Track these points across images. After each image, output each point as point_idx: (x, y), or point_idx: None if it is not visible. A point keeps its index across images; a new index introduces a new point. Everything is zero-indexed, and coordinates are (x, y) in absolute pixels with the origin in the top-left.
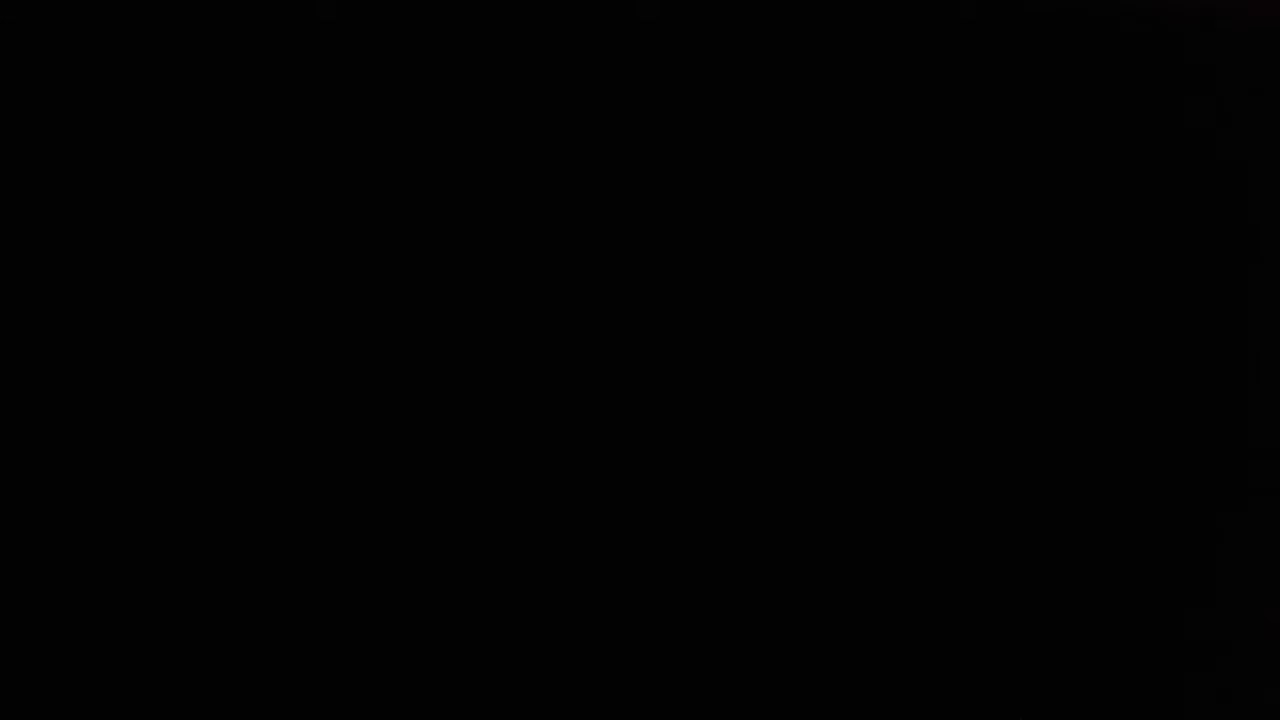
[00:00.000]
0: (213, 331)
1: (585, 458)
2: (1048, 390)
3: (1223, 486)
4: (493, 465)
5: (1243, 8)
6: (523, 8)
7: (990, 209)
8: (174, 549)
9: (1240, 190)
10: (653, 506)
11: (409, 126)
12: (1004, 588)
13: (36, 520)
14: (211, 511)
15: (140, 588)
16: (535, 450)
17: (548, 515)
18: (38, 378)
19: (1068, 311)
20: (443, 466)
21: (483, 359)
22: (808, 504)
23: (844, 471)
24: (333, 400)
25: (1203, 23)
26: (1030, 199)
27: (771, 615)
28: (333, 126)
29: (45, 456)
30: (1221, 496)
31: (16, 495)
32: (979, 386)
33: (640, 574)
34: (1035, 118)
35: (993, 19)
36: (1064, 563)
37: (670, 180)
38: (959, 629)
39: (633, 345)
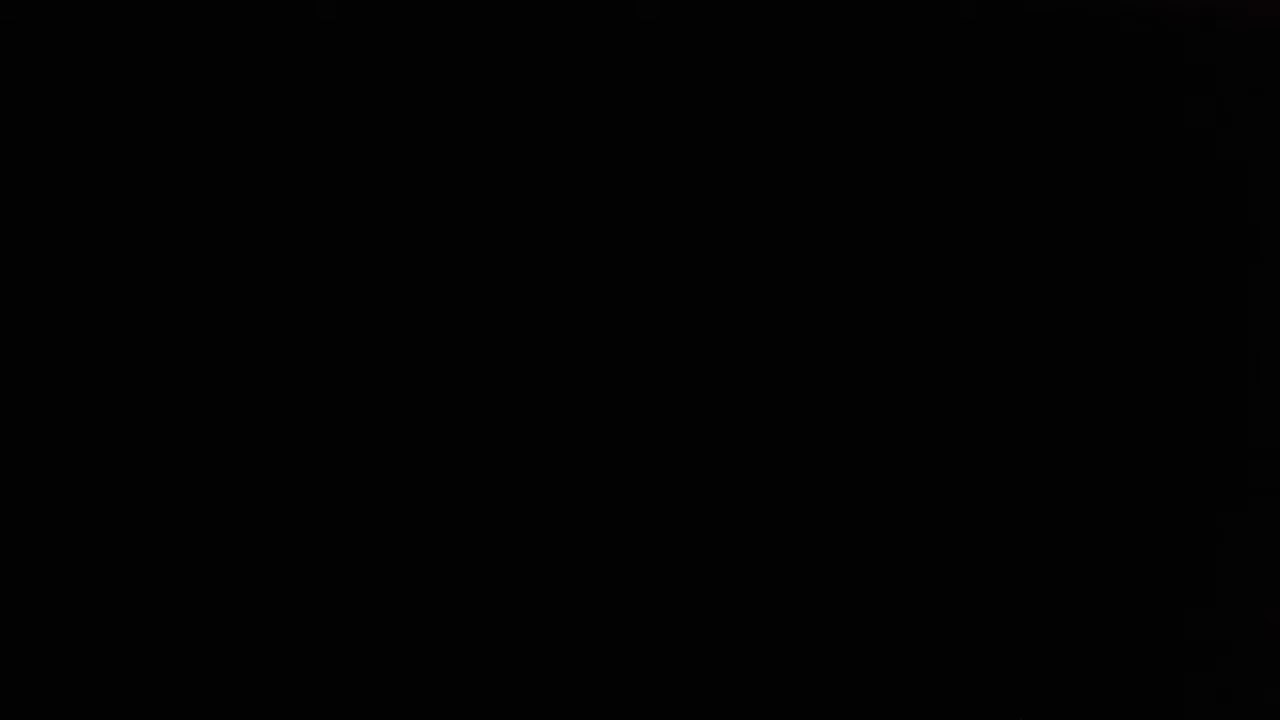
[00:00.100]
0: (212, 331)
1: (585, 457)
2: (1048, 390)
3: (1223, 486)
4: (492, 465)
5: (1243, 8)
6: (523, 8)
7: (990, 209)
8: (174, 549)
9: (1240, 190)
10: (653, 506)
11: (409, 126)
12: (1004, 587)
13: (36, 520)
14: (211, 511)
15: (140, 588)
16: (535, 450)
17: (548, 515)
18: (38, 378)
19: (1068, 311)
20: (442, 466)
21: (482, 358)
22: (808, 504)
23: (844, 471)
24: (333, 400)
25: (1203, 23)
26: (1030, 199)
27: (772, 615)
28: (333, 126)
29: (45, 456)
30: (1221, 496)
31: (16, 495)
32: (979, 386)
33: (640, 574)
34: (1035, 118)
35: (993, 19)
36: (1064, 563)
37: (670, 180)
38: (959, 629)
39: (633, 345)
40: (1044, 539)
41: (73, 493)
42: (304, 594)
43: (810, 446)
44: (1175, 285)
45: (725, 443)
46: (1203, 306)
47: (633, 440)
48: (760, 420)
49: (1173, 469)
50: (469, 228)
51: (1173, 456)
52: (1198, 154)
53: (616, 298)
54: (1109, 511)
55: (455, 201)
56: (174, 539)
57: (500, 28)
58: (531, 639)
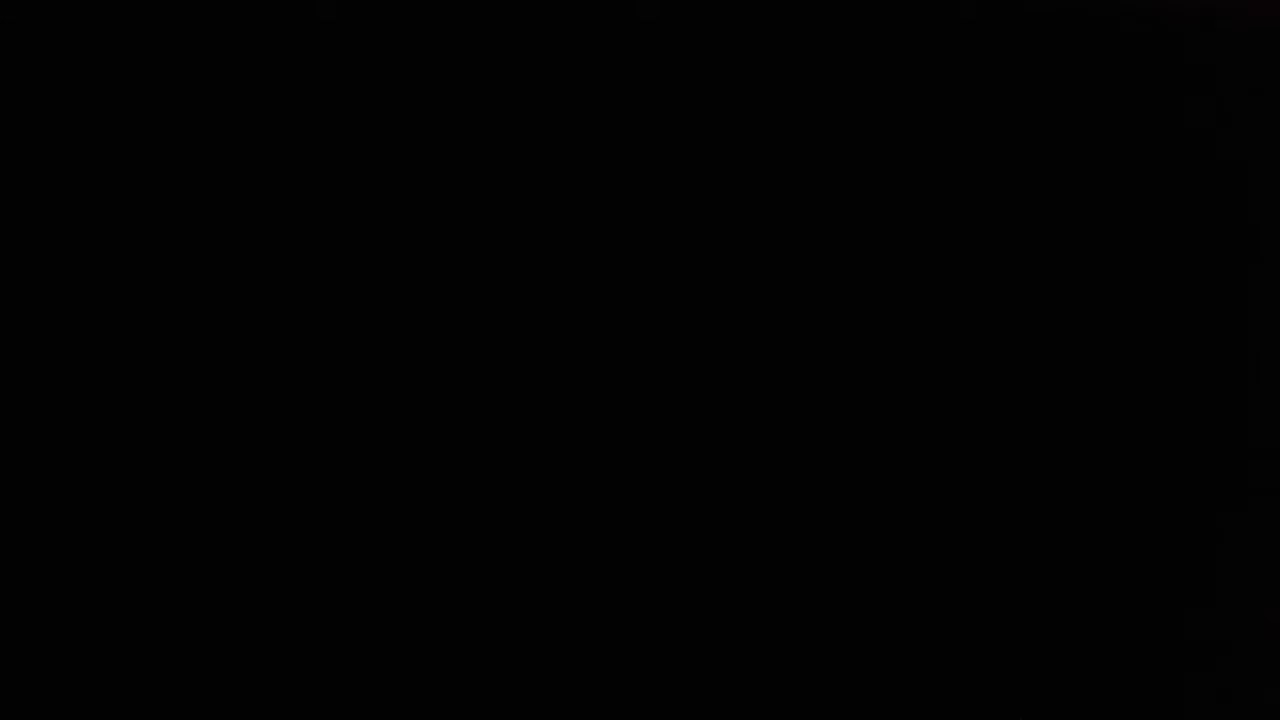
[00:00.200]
0: (212, 331)
1: (585, 457)
2: (1048, 390)
3: (1223, 486)
4: (492, 465)
5: (1243, 8)
6: (523, 8)
7: (990, 209)
8: (174, 549)
9: (1240, 190)
10: (653, 506)
11: (409, 126)
12: (1004, 587)
13: (36, 520)
14: (211, 511)
15: (140, 588)
16: (535, 450)
17: (548, 515)
18: (38, 378)
19: (1068, 311)
20: (442, 466)
21: (482, 358)
22: (808, 504)
23: (844, 471)
24: (332, 400)
25: (1203, 23)
26: (1030, 199)
27: (772, 615)
28: (333, 126)
29: (45, 456)
30: (1221, 496)
31: (16, 495)
32: (979, 386)
33: (640, 574)
34: (1035, 118)
35: (993, 19)
36: (1064, 563)
37: (670, 180)
38: (959, 629)
39: (633, 345)
40: (1044, 539)
41: (73, 493)
42: (304, 594)
43: (810, 446)
44: (1175, 285)
45: (725, 442)
46: (1203, 306)
47: (632, 440)
48: (760, 420)
49: (1173, 469)
50: (469, 228)
51: (1173, 456)
52: (1198, 154)
53: (616, 297)
54: (1109, 511)
55: (455, 201)
56: (174, 539)
57: (500, 28)
58: (531, 639)
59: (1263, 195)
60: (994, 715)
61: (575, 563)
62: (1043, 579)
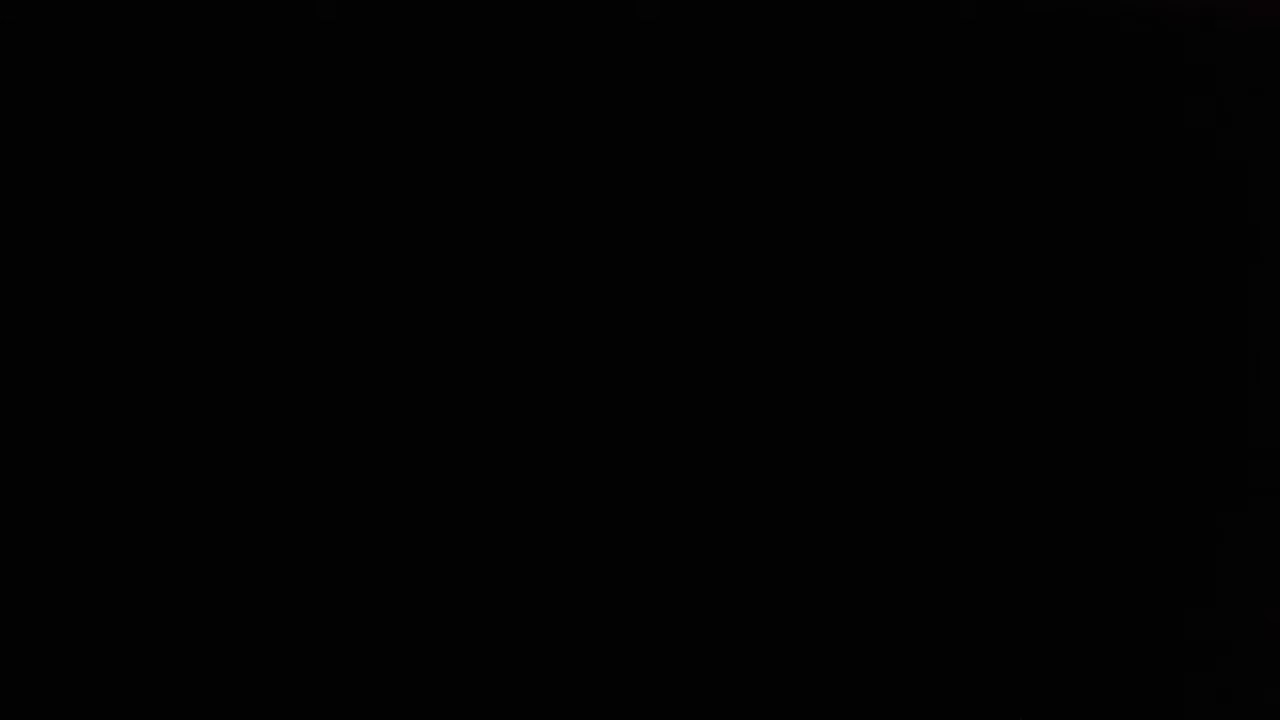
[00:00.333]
0: (212, 331)
1: (585, 457)
2: (1048, 390)
3: (1223, 486)
4: (492, 465)
5: (1243, 8)
6: (523, 8)
7: (990, 209)
8: (174, 549)
9: (1240, 190)
10: (653, 506)
11: (409, 126)
12: (1004, 588)
13: (36, 520)
14: (211, 511)
15: (140, 588)
16: (535, 450)
17: (548, 515)
18: (38, 378)
19: (1068, 311)
20: (442, 466)
21: (482, 358)
22: (808, 504)
23: (844, 471)
24: (332, 400)
25: (1203, 23)
26: (1030, 199)
27: (772, 615)
28: (333, 126)
29: (45, 456)
30: (1221, 496)
31: (16, 495)
32: (979, 386)
33: (640, 574)
34: (1035, 118)
35: (993, 19)
36: (1064, 563)
37: (670, 180)
38: (959, 629)
39: (633, 345)
40: (1044, 539)
41: (73, 493)
42: (304, 593)
43: (810, 446)
44: (1175, 285)
45: (725, 442)
46: (1203, 306)
47: (632, 439)
48: (760, 420)
49: (1173, 469)
50: (469, 227)
51: (1173, 456)
52: (1198, 154)
53: (616, 297)
54: (1109, 511)
55: (455, 201)
56: (174, 538)
57: (500, 28)
58: (531, 639)
59: (1263, 195)
60: (994, 715)
61: (575, 562)
62: (1043, 579)
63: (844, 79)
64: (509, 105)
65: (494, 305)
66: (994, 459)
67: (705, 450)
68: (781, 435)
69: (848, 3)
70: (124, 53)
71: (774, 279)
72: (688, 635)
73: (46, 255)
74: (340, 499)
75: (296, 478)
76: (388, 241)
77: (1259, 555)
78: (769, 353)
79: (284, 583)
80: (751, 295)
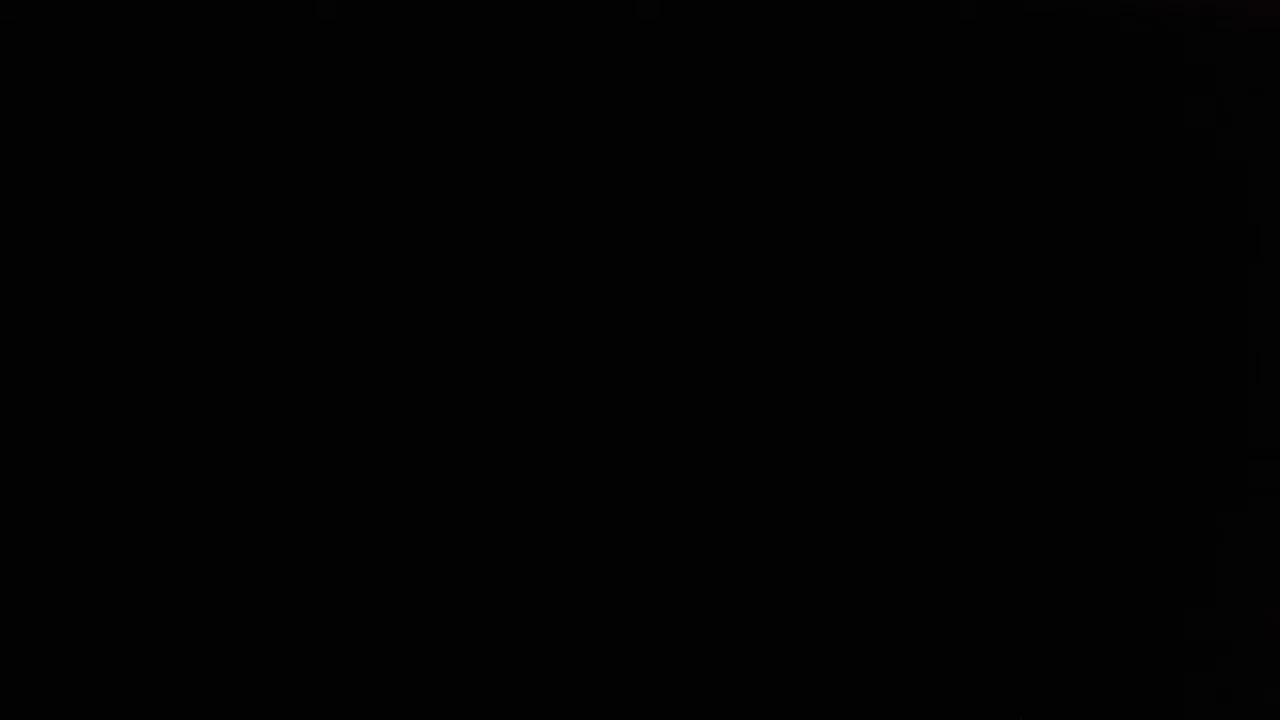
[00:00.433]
0: (212, 331)
1: (585, 458)
2: (1048, 390)
3: (1223, 486)
4: (492, 465)
5: (1243, 8)
6: (523, 8)
7: (990, 209)
8: (174, 549)
9: (1240, 190)
10: (653, 506)
11: (409, 126)
12: (1004, 587)
13: (36, 520)
14: (211, 511)
15: (140, 588)
16: (535, 450)
17: (548, 515)
18: (38, 378)
19: (1068, 311)
20: (442, 466)
21: (482, 358)
22: (808, 504)
23: (844, 471)
24: (332, 400)
25: (1203, 23)
26: (1030, 199)
27: (772, 615)
28: (333, 126)
29: (45, 456)
30: (1221, 496)
31: (16, 495)
32: (979, 386)
33: (640, 574)
34: (1035, 118)
35: (993, 19)
36: (1064, 563)
37: (670, 180)
38: (959, 629)
39: (633, 345)
40: (1044, 539)
41: (73, 493)
42: (304, 593)
43: (810, 446)
44: (1175, 285)
45: (725, 442)
46: (1203, 306)
47: (632, 439)
48: (760, 420)
49: (1173, 469)
50: (469, 227)
51: (1173, 456)
52: (1198, 154)
53: (616, 297)
54: (1109, 511)
55: (455, 201)
56: (174, 538)
57: (500, 28)
58: (531, 639)
59: (1263, 195)
60: (994, 715)
61: (575, 562)
62: (1043, 579)
63: (844, 79)
64: (509, 105)
65: (494, 305)
66: (994, 459)
67: (705, 450)
68: (782, 435)
69: (848, 3)
70: (124, 53)
71: (774, 278)
72: (688, 635)
73: (46, 255)
74: (340, 499)
75: (296, 477)
76: (388, 241)
77: (1259, 555)
78: (769, 352)
79: (284, 582)
80: (752, 295)
